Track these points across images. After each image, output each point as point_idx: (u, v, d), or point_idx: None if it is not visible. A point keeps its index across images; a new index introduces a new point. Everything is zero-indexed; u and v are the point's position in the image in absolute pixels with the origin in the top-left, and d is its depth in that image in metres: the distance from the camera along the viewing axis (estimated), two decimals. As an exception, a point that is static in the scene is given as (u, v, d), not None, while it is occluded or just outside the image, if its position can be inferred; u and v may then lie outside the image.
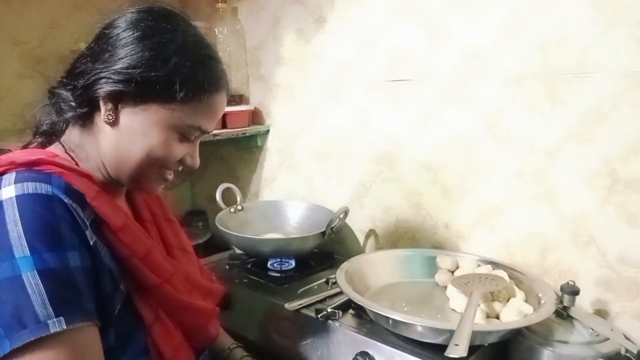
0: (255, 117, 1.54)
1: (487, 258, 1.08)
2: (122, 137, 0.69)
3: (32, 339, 0.54)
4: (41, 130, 0.75)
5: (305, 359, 1.00)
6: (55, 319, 0.56)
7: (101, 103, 0.68)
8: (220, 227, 1.26)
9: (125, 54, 0.67)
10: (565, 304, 0.90)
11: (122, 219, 0.67)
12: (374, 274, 1.09)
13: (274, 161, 1.55)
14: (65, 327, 0.56)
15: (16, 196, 0.59)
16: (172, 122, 0.69)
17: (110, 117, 0.68)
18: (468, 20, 1.09)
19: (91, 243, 0.63)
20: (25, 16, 1.33)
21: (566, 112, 0.99)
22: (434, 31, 1.14)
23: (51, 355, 0.56)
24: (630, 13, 0.90)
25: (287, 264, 1.25)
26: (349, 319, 0.98)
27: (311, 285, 1.15)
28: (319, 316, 0.97)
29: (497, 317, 0.90)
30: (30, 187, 0.60)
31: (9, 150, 0.70)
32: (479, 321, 0.87)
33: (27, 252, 0.57)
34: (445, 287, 1.03)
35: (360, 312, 0.98)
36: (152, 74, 0.67)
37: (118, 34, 0.68)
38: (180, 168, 0.76)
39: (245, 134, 1.48)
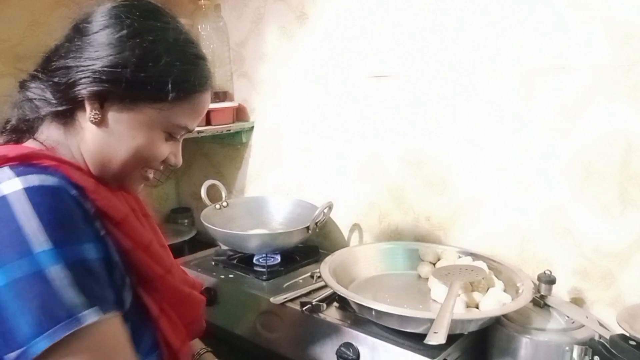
0: (240, 113, 1.55)
1: (467, 250, 1.11)
2: (108, 137, 0.66)
3: (69, 332, 0.53)
4: (10, 127, 0.70)
5: (290, 351, 1.02)
6: (86, 311, 0.55)
7: (87, 103, 0.65)
8: (206, 224, 1.27)
9: (112, 51, 0.64)
10: (542, 293, 0.93)
11: (122, 212, 0.66)
12: (357, 267, 1.11)
13: (258, 157, 1.56)
14: (98, 318, 0.56)
15: (23, 189, 0.56)
16: (160, 122, 0.68)
17: (97, 117, 0.65)
18: (449, 16, 1.11)
19: (102, 234, 0.62)
20: (5, 13, 1.32)
21: (542, 106, 1.02)
22: (415, 27, 1.16)
23: (87, 346, 0.55)
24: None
25: (272, 259, 1.26)
26: (333, 311, 1.00)
27: (296, 279, 1.17)
28: (303, 309, 0.99)
29: (477, 307, 0.92)
30: (35, 180, 0.58)
31: None
32: (459, 310, 0.89)
33: (47, 246, 0.55)
34: (427, 279, 1.05)
35: (344, 305, 1.00)
36: (143, 74, 0.65)
37: (100, 29, 0.65)
38: (161, 168, 0.74)
39: (229, 130, 1.48)
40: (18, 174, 0.58)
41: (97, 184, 0.65)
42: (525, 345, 0.86)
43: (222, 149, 1.64)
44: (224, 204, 1.40)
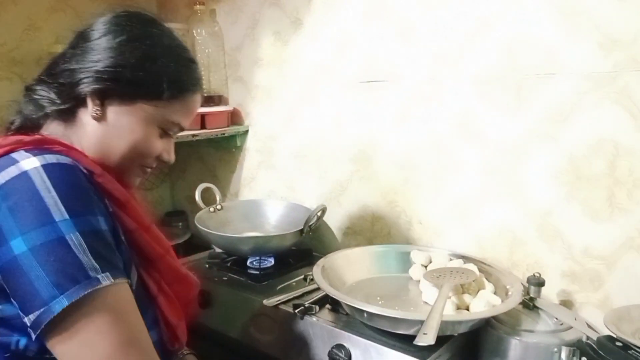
0: (235, 117, 1.56)
1: (458, 253, 1.12)
2: (108, 132, 0.72)
3: (87, 292, 0.58)
4: (17, 125, 0.76)
5: (283, 353, 1.03)
6: (102, 274, 0.60)
7: (88, 99, 0.71)
8: (200, 226, 1.27)
9: (113, 54, 0.71)
10: (531, 295, 0.94)
11: (126, 195, 0.71)
12: (350, 269, 1.12)
13: (253, 161, 1.57)
14: (113, 280, 0.61)
15: (42, 165, 0.62)
16: (156, 118, 0.74)
17: (98, 112, 0.71)
18: (439, 23, 1.13)
19: (110, 210, 0.67)
20: (2, 18, 1.33)
21: (532, 112, 1.03)
22: (407, 33, 1.18)
23: (104, 306, 0.60)
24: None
25: (266, 262, 1.27)
26: (325, 313, 1.01)
27: (290, 282, 1.17)
28: (296, 311, 1.00)
29: (467, 309, 0.93)
30: (52, 158, 0.63)
31: None
32: (450, 312, 0.90)
33: (66, 216, 0.60)
34: (419, 282, 1.06)
35: (336, 307, 1.01)
36: (141, 73, 0.72)
37: (102, 35, 0.72)
38: (155, 164, 0.80)
39: (224, 134, 1.50)
40: (35, 154, 0.63)
41: (102, 170, 0.70)
42: (514, 346, 0.87)
43: (217, 152, 1.65)
44: (218, 207, 1.40)
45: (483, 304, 0.91)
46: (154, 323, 0.72)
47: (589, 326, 0.94)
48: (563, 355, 0.84)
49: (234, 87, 1.56)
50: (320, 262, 1.08)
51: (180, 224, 1.71)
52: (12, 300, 0.60)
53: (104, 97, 0.71)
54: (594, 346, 0.81)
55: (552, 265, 1.05)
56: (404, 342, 0.87)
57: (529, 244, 1.07)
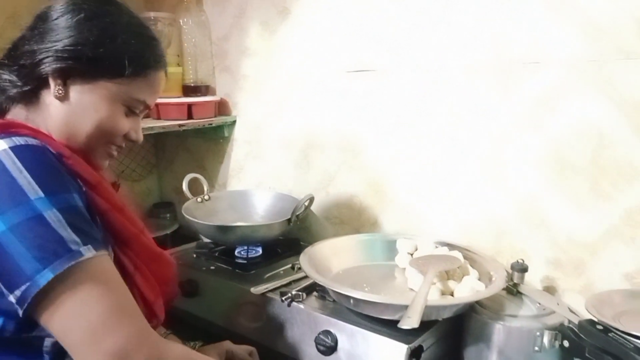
0: (222, 107, 1.55)
1: (444, 241, 1.13)
2: (72, 111, 0.73)
3: (71, 264, 0.59)
4: None
5: (271, 340, 1.03)
6: (84, 247, 0.61)
7: (50, 79, 0.71)
8: (187, 216, 1.27)
9: (72, 33, 0.71)
10: (515, 281, 0.95)
11: (96, 176, 0.71)
12: (337, 258, 1.12)
13: (241, 151, 1.56)
14: (95, 253, 0.62)
15: (10, 147, 0.62)
16: (119, 96, 0.74)
17: (60, 92, 0.71)
18: (424, 13, 1.13)
19: (84, 190, 0.67)
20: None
21: (517, 100, 1.04)
22: (394, 22, 1.18)
23: (88, 277, 0.61)
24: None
25: (254, 252, 1.27)
26: (312, 300, 1.01)
27: (277, 270, 1.17)
28: (283, 298, 1.00)
29: (452, 294, 0.94)
30: (20, 140, 0.64)
31: None
32: (435, 298, 0.91)
33: (41, 194, 0.61)
34: (405, 269, 1.07)
35: (323, 294, 1.01)
36: (101, 50, 0.71)
37: (61, 15, 0.72)
38: (123, 144, 0.80)
39: (211, 124, 1.49)
40: (2, 138, 0.64)
41: (71, 152, 0.70)
42: (498, 331, 0.88)
43: (205, 143, 1.64)
44: (206, 197, 1.40)
45: (467, 289, 0.92)
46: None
47: (571, 311, 0.95)
48: (545, 339, 0.85)
49: (221, 77, 1.55)
50: (308, 250, 1.09)
51: (168, 215, 1.71)
52: None
53: (66, 76, 0.71)
54: (575, 329, 0.82)
55: (536, 252, 1.06)
56: (390, 327, 0.87)
57: (514, 231, 1.09)
